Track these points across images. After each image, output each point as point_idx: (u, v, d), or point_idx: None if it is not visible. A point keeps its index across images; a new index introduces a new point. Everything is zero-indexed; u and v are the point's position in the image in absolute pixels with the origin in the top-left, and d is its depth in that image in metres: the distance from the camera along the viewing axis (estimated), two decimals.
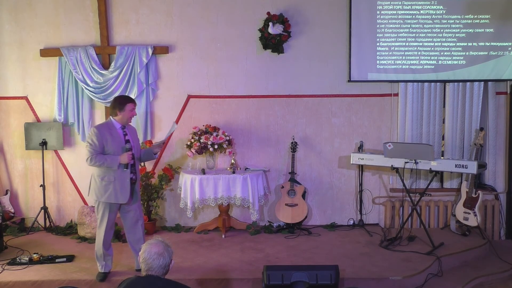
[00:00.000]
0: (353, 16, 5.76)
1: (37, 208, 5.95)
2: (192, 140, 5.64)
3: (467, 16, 5.73)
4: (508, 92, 5.88)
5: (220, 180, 5.46)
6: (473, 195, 5.42)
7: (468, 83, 5.81)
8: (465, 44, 5.76)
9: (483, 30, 5.73)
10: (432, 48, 5.79)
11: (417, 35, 5.78)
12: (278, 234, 5.67)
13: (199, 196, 5.41)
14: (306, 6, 5.85)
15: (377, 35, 5.79)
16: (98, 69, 5.78)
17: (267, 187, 5.92)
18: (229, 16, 5.88)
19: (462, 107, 5.84)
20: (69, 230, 5.84)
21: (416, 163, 5.17)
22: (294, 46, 5.89)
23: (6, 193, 6.00)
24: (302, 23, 5.87)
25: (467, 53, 5.77)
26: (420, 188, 5.55)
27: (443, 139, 5.95)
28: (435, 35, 5.77)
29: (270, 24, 5.66)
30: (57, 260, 4.76)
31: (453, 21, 5.75)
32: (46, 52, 5.86)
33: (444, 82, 5.85)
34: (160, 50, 5.85)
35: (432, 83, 5.83)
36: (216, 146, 5.62)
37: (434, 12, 5.74)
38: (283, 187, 5.82)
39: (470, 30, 5.74)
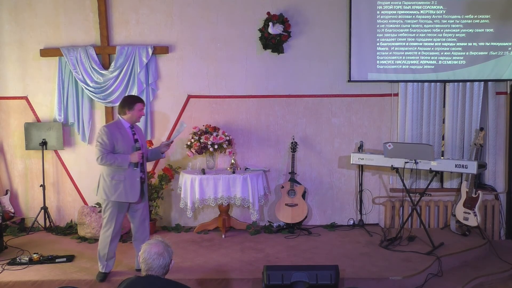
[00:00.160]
0: (353, 16, 5.76)
1: (37, 208, 5.95)
2: (192, 140, 5.64)
3: (467, 16, 5.73)
4: (508, 92, 5.88)
5: (220, 180, 5.46)
6: (473, 195, 5.42)
7: (468, 83, 5.81)
8: (465, 44, 5.76)
9: (483, 30, 5.73)
10: (432, 48, 5.79)
11: (417, 35, 5.78)
12: (278, 234, 5.67)
13: (199, 196, 5.41)
14: (306, 6, 5.85)
15: (377, 35, 5.79)
16: (98, 69, 5.78)
17: (267, 187, 5.92)
18: (229, 16, 5.88)
19: (462, 107, 5.84)
20: (69, 230, 5.84)
21: (416, 163, 5.17)
22: (294, 46, 5.89)
23: (6, 193, 6.00)
24: (302, 23, 5.87)
25: (467, 53, 5.77)
26: (420, 188, 5.55)
27: (443, 139, 5.95)
28: (435, 35, 5.77)
29: (270, 24, 5.67)
30: (57, 260, 4.76)
31: (453, 21, 5.75)
32: (46, 52, 5.86)
33: (444, 82, 5.85)
34: (160, 50, 5.85)
35: (432, 83, 5.83)
36: (216, 146, 5.62)
37: (434, 12, 5.74)
38: (283, 187, 5.82)
39: (470, 30, 5.74)
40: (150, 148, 4.84)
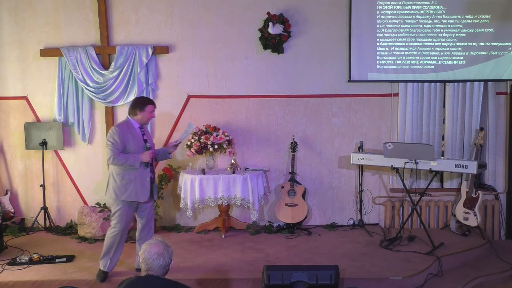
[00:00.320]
0: (353, 16, 5.76)
1: (37, 208, 5.95)
2: (192, 140, 5.64)
3: (467, 16, 5.73)
4: (508, 92, 5.88)
5: (220, 180, 5.46)
6: (473, 195, 5.42)
7: (468, 83, 5.81)
8: (465, 44, 5.76)
9: (483, 30, 5.73)
10: (432, 48, 5.79)
11: (417, 35, 5.78)
12: (278, 234, 5.67)
13: (199, 196, 5.41)
14: (306, 6, 5.85)
15: (377, 35, 5.79)
16: (98, 69, 5.78)
17: (267, 187, 5.92)
18: (229, 16, 5.88)
19: (462, 107, 5.84)
20: (69, 230, 5.84)
21: (416, 163, 5.16)
22: (294, 46, 5.89)
23: (6, 193, 6.00)
24: (302, 23, 5.87)
25: (467, 53, 5.77)
26: (420, 188, 5.55)
27: (443, 139, 5.95)
28: (435, 35, 5.77)
29: (270, 24, 5.67)
30: (57, 260, 4.76)
31: (453, 21, 5.75)
32: (46, 52, 5.86)
33: (444, 82, 5.85)
34: (160, 50, 5.85)
35: (432, 83, 5.83)
36: (216, 146, 5.62)
37: (434, 12, 5.74)
38: (283, 187, 5.82)
39: (470, 30, 5.74)
40: (158, 148, 4.86)
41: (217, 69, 5.94)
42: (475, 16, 5.72)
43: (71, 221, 6.02)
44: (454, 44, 5.76)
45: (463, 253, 5.00)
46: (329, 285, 3.31)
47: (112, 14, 5.88)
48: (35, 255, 4.77)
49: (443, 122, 5.93)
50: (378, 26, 5.78)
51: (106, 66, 5.85)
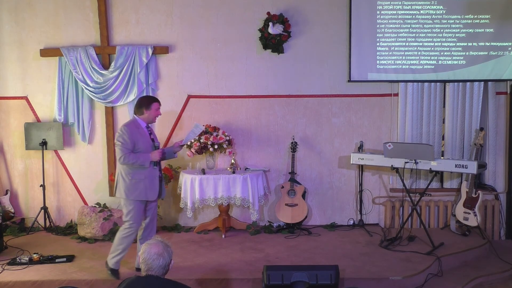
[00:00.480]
0: (353, 16, 5.76)
1: (37, 208, 5.95)
2: (192, 140, 5.64)
3: (467, 16, 5.73)
4: (508, 92, 5.88)
5: (220, 180, 5.46)
6: (473, 195, 5.42)
7: (468, 83, 5.81)
8: (465, 44, 5.76)
9: (483, 30, 5.72)
10: (432, 48, 5.79)
11: (417, 35, 5.78)
12: (278, 234, 5.67)
13: (199, 196, 5.41)
14: (306, 6, 5.85)
15: (377, 35, 5.79)
16: (98, 69, 5.78)
17: (267, 187, 5.92)
18: (229, 16, 5.88)
19: (462, 107, 5.84)
20: (69, 230, 5.84)
21: (416, 163, 5.16)
22: (294, 46, 5.89)
23: (6, 193, 6.00)
24: (302, 23, 5.87)
25: (467, 53, 5.77)
26: (420, 188, 5.55)
27: (443, 139, 5.95)
28: (435, 35, 5.77)
29: (270, 24, 5.67)
30: (57, 260, 4.76)
31: (453, 21, 5.74)
32: (46, 52, 5.86)
33: (444, 82, 5.85)
34: (160, 50, 5.85)
35: (432, 83, 5.83)
36: (216, 146, 5.62)
37: (434, 12, 5.74)
38: (283, 187, 5.82)
39: (470, 30, 5.74)
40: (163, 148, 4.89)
41: (217, 69, 5.94)
42: (475, 16, 5.72)
43: (71, 221, 6.02)
44: (454, 44, 5.76)
45: (463, 253, 5.00)
46: (329, 285, 3.31)
47: (112, 14, 5.88)
48: (35, 255, 4.77)
49: (443, 122, 5.93)
50: (378, 26, 5.78)
51: (106, 66, 5.85)
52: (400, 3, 5.75)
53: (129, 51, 5.79)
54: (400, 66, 5.82)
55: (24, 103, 6.01)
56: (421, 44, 5.78)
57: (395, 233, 5.36)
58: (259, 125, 5.99)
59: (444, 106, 5.92)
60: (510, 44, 5.72)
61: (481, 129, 5.57)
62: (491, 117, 5.83)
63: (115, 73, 5.78)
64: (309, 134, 6.00)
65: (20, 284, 4.30)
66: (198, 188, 5.41)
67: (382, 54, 5.81)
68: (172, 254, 2.77)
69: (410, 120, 5.84)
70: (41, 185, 5.85)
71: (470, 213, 5.40)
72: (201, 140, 5.59)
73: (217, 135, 5.65)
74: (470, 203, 5.41)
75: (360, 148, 5.82)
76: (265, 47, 5.83)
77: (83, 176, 6.04)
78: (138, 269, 4.07)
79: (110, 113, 5.92)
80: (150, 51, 5.78)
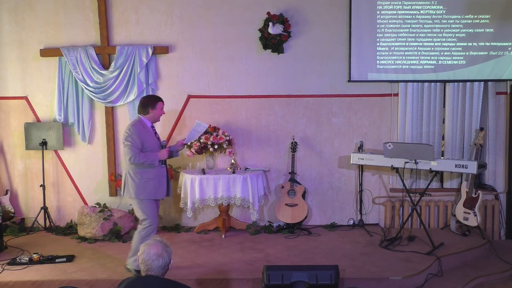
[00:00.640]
0: (353, 16, 5.76)
1: (37, 208, 5.95)
2: (192, 140, 5.64)
3: (467, 16, 5.73)
4: (508, 92, 5.88)
5: (220, 180, 5.46)
6: (473, 195, 5.42)
7: (468, 83, 5.81)
8: (465, 44, 5.76)
9: (483, 30, 5.72)
10: (432, 48, 5.79)
11: (417, 35, 5.78)
12: (278, 234, 5.67)
13: (199, 196, 5.41)
14: (306, 6, 5.85)
15: (377, 35, 5.79)
16: (98, 69, 5.78)
17: (267, 187, 5.92)
18: (229, 16, 5.88)
19: (462, 107, 5.84)
20: (69, 230, 5.84)
21: (416, 163, 5.16)
22: (294, 46, 5.89)
23: (6, 193, 6.00)
24: (302, 23, 5.87)
25: (467, 53, 5.77)
26: (420, 188, 5.55)
27: (443, 139, 5.95)
28: (435, 35, 5.76)
29: (270, 24, 5.67)
30: (57, 260, 4.76)
31: (453, 21, 5.74)
32: (46, 52, 5.86)
33: (444, 82, 5.85)
34: (160, 50, 5.85)
35: (432, 83, 5.83)
36: (216, 146, 5.62)
37: (434, 12, 5.74)
38: (283, 187, 5.82)
39: (470, 30, 5.74)
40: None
41: (217, 69, 5.94)
42: (475, 16, 5.72)
43: (71, 221, 6.02)
44: (454, 44, 5.76)
45: (463, 253, 5.00)
46: (329, 285, 3.31)
47: (112, 14, 5.88)
48: (35, 255, 4.77)
49: (443, 122, 5.93)
50: (378, 26, 5.78)
51: (106, 66, 5.85)
52: (400, 3, 5.75)
53: (129, 51, 5.79)
54: (400, 66, 5.82)
55: (24, 103, 6.01)
56: (421, 44, 5.78)
57: (395, 233, 5.36)
58: (259, 125, 5.99)
59: (444, 106, 5.92)
60: (510, 44, 5.72)
61: (481, 129, 5.57)
62: (491, 117, 5.83)
63: (115, 73, 5.78)
64: (309, 134, 6.00)
65: (20, 284, 4.30)
66: (198, 188, 5.41)
67: (382, 54, 5.81)
68: (171, 254, 2.77)
69: (410, 120, 5.84)
70: (41, 185, 5.85)
71: (470, 213, 5.40)
72: (201, 140, 5.59)
73: (217, 135, 5.65)
74: (470, 203, 5.41)
75: (360, 148, 5.82)
76: (265, 47, 5.83)
77: (83, 176, 6.05)
78: (138, 271, 4.07)
79: (110, 113, 5.92)
80: (150, 51, 5.78)
